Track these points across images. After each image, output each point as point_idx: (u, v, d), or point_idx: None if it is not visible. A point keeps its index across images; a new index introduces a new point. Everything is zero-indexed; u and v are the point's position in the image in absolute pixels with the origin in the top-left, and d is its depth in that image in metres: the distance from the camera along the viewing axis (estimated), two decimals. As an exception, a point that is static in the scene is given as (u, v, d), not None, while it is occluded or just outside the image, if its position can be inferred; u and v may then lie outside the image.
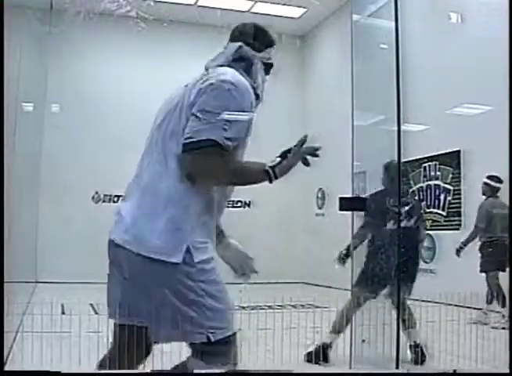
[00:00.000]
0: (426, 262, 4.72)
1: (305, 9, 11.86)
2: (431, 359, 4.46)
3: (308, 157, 2.19)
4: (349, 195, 4.31)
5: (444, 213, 8.95)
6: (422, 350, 4.52)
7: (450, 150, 8.70)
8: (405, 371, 4.07)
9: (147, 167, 2.15)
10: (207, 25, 10.91)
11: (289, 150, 2.17)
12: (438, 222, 8.97)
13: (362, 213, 4.33)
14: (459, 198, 8.69)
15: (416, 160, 9.18)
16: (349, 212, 4.33)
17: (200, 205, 2.09)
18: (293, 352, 4.34)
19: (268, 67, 2.29)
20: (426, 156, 9.12)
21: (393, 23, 4.23)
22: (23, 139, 6.21)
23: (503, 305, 6.38)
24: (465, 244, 6.79)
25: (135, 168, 2.32)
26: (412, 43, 5.41)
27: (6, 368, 2.52)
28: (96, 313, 5.28)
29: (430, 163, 9.19)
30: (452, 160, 8.77)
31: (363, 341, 4.21)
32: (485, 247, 6.67)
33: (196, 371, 2.09)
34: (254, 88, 2.18)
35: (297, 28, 12.65)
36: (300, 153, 2.15)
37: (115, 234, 2.14)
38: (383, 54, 4.41)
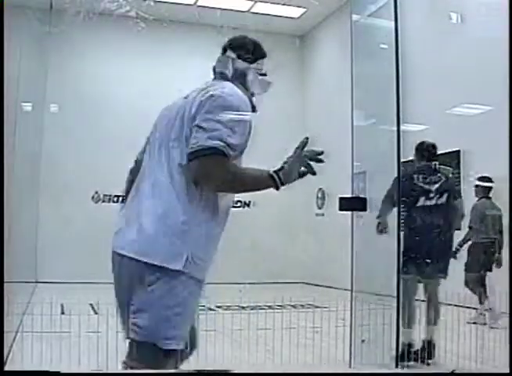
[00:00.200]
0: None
1: (305, 9, 11.86)
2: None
3: (312, 164, 2.15)
4: (349, 195, 4.31)
5: (444, 213, 8.94)
6: (432, 349, 4.49)
7: (450, 150, 8.70)
8: (405, 371, 4.08)
9: (148, 176, 2.17)
10: (207, 25, 10.90)
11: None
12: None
13: (362, 213, 4.32)
14: (459, 198, 8.67)
15: (416, 160, 9.18)
16: (349, 212, 4.33)
17: (204, 215, 2.10)
18: (292, 352, 4.35)
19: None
20: (425, 156, 9.10)
21: (393, 23, 4.23)
22: (23, 139, 6.21)
23: (481, 302, 6.44)
24: (461, 245, 6.79)
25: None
26: (411, 43, 5.41)
27: (6, 368, 2.52)
28: (96, 313, 5.29)
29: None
30: (451, 160, 8.76)
31: (363, 341, 4.21)
32: (476, 247, 6.69)
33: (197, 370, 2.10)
34: (250, 101, 2.23)
35: (297, 28, 12.65)
36: (301, 157, 2.12)
37: (118, 245, 2.16)
38: (382, 54, 4.40)
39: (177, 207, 2.05)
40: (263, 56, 2.36)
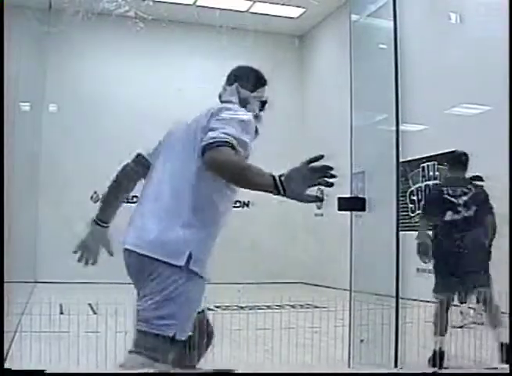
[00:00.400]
0: (425, 262, 4.66)
1: (304, 9, 11.86)
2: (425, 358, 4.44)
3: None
4: (348, 195, 4.31)
5: (443, 213, 8.95)
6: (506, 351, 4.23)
7: (449, 150, 8.70)
8: (405, 371, 4.08)
9: (163, 181, 2.34)
10: (206, 25, 10.91)
11: None
12: (437, 222, 8.96)
13: (361, 213, 4.31)
14: (458, 198, 8.68)
15: (415, 160, 9.17)
16: (348, 212, 4.33)
17: (208, 219, 2.29)
18: (291, 352, 4.35)
19: (262, 104, 2.58)
20: (424, 156, 9.11)
21: (392, 23, 4.23)
22: (23, 139, 6.21)
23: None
24: None
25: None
26: (411, 43, 5.42)
27: (6, 367, 2.52)
28: (95, 313, 5.29)
29: (428, 163, 9.19)
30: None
31: (362, 341, 4.20)
32: None
33: (196, 370, 2.13)
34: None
35: (296, 28, 12.66)
36: (307, 167, 2.20)
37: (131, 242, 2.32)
38: (382, 54, 4.41)
39: (185, 210, 2.24)
40: (264, 83, 2.58)
